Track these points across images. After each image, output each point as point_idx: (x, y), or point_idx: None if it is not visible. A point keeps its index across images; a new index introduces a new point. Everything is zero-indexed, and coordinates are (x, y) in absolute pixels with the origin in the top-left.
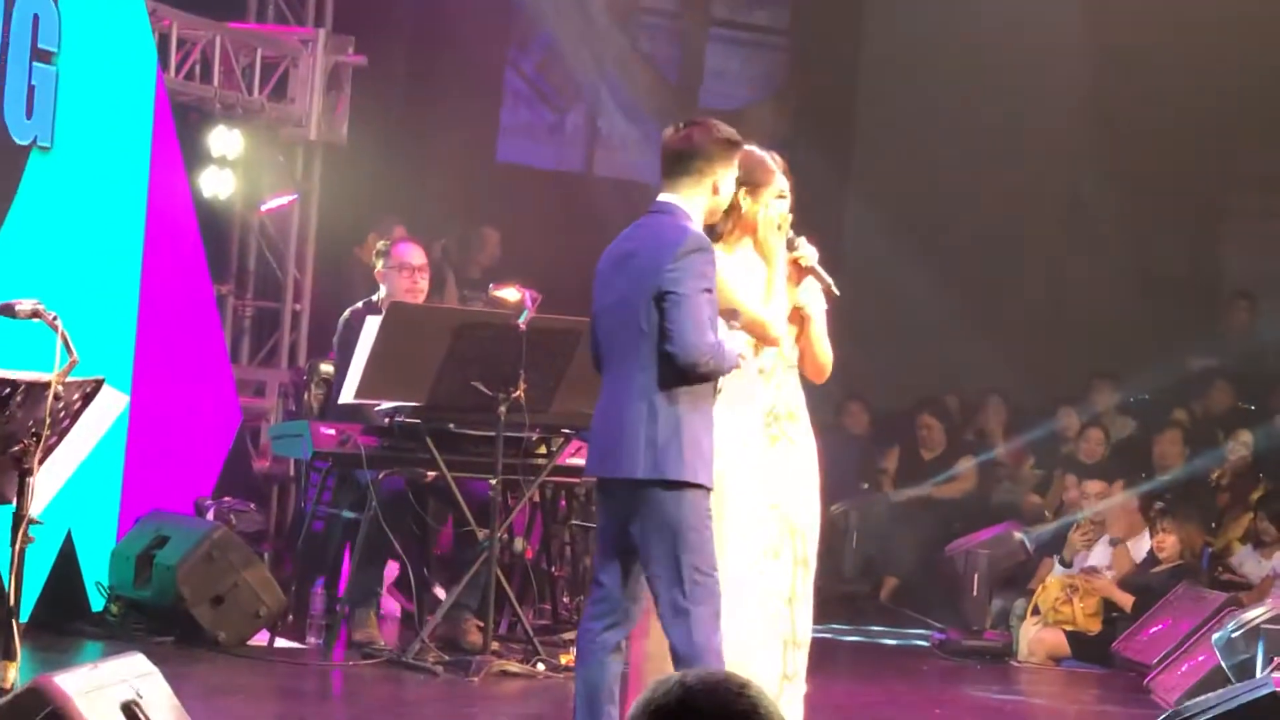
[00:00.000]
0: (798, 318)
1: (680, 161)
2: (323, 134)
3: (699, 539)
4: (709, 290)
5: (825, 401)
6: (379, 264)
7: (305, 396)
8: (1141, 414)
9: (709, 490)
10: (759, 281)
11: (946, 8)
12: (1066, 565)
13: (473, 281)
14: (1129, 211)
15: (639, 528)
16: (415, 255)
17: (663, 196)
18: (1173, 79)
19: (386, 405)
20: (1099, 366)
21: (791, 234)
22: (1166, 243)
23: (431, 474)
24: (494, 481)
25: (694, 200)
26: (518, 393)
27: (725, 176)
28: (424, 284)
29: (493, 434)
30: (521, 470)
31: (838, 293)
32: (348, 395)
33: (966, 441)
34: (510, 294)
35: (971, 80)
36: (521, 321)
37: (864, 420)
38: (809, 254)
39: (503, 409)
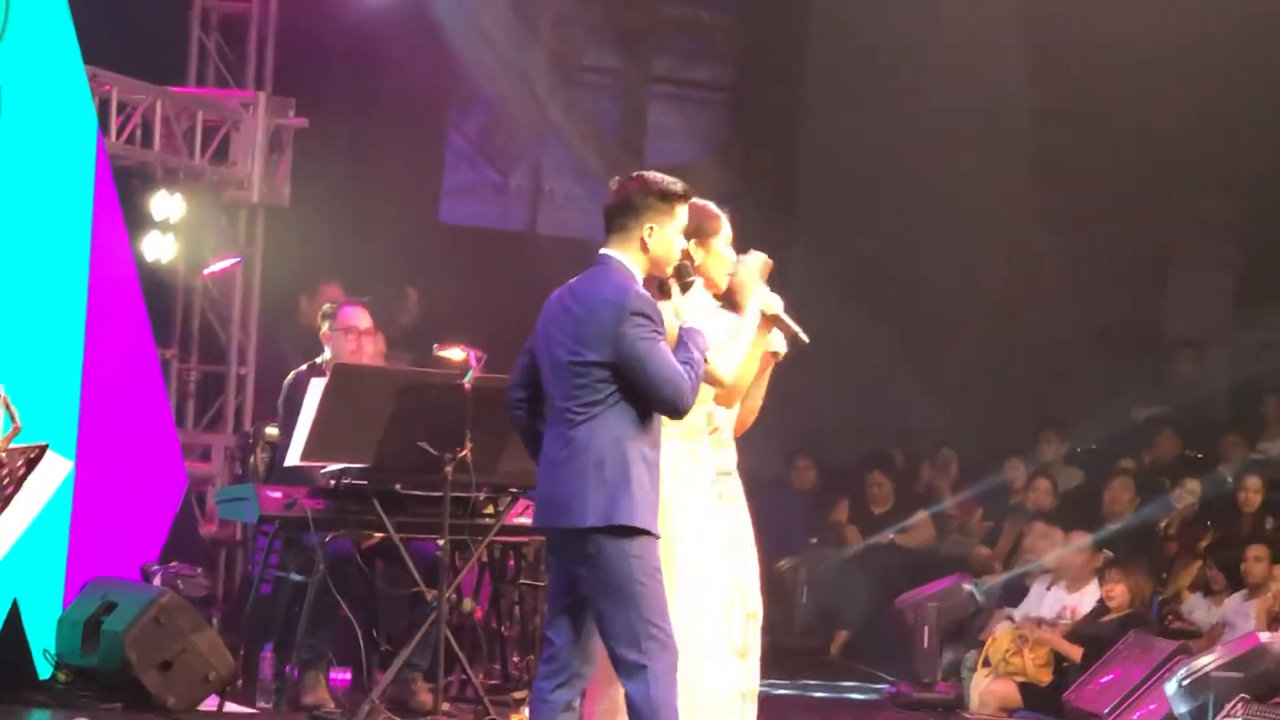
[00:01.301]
0: (768, 363)
1: (612, 216)
2: (265, 196)
3: (650, 592)
4: (657, 334)
5: (772, 457)
6: (324, 326)
7: (251, 460)
8: (1089, 464)
9: (657, 539)
10: (716, 330)
11: (889, 62)
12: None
13: (391, 341)
14: (1074, 261)
15: (589, 582)
16: (360, 318)
17: (603, 250)
18: (1116, 129)
19: (332, 467)
20: (1046, 417)
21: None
22: (1111, 292)
23: (378, 535)
24: (441, 542)
25: (628, 254)
26: (464, 452)
27: (657, 231)
28: (370, 347)
29: (439, 494)
30: (469, 530)
31: (806, 339)
32: (293, 458)
33: (916, 495)
34: (455, 354)
35: (915, 133)
36: (466, 381)
37: (811, 475)
38: (773, 302)
39: (449, 469)
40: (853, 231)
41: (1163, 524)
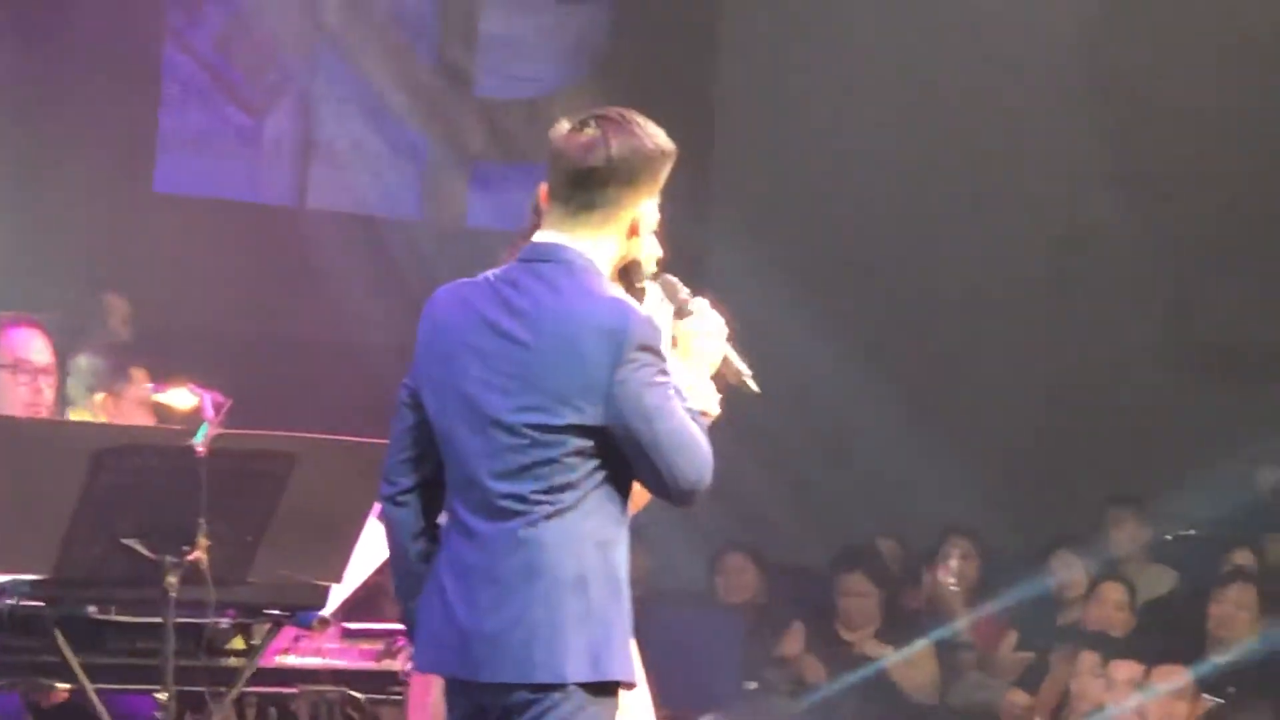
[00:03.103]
0: None
1: (585, 185)
2: None
3: None
4: (666, 378)
5: (688, 555)
6: None
7: None
8: (1186, 560)
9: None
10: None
11: None
12: None
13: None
14: (1158, 249)
15: None
16: (36, 348)
17: (549, 236)
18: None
19: None
20: (1118, 487)
21: (680, 287)
22: (1222, 295)
23: (64, 686)
24: (163, 696)
25: (600, 244)
26: (196, 554)
27: (650, 209)
28: (49, 392)
29: (159, 620)
30: (206, 676)
31: (756, 388)
32: None
33: (912, 612)
34: (180, 398)
35: (903, 39)
36: (200, 442)
37: (750, 583)
38: (706, 323)
39: (172, 579)
40: (805, 199)
41: None
